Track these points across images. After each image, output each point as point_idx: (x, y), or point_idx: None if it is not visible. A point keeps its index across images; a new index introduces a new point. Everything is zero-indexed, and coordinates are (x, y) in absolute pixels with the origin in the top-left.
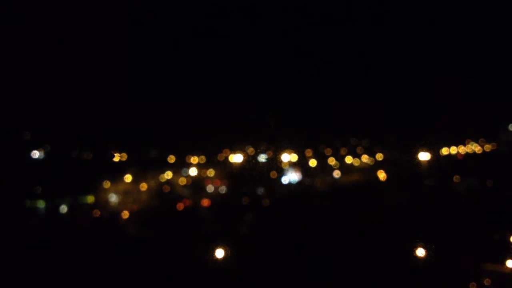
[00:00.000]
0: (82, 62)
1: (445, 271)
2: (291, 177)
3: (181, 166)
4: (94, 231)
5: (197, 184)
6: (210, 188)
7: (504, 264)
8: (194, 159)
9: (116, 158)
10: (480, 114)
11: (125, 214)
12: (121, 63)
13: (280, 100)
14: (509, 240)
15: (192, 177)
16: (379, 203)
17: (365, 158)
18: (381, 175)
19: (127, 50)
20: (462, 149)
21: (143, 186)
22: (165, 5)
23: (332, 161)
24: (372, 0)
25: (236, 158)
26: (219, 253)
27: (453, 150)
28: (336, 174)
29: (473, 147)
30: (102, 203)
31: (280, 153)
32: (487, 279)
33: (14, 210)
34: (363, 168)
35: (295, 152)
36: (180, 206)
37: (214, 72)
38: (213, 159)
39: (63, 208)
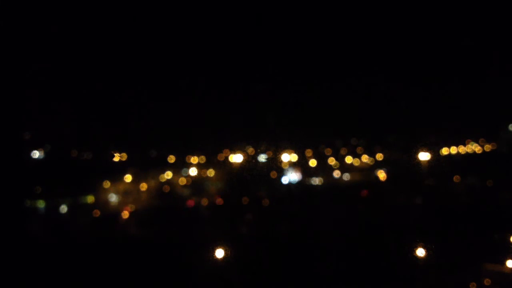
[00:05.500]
0: (82, 61)
1: (445, 271)
2: (291, 177)
3: (181, 166)
4: (94, 231)
5: (197, 184)
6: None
7: (504, 264)
8: (194, 159)
9: (116, 158)
10: (480, 114)
11: (125, 214)
12: (121, 63)
13: (280, 100)
14: (509, 240)
15: (192, 177)
16: (379, 203)
17: (365, 158)
18: (381, 175)
19: (126, 50)
20: (462, 149)
21: (143, 186)
22: (162, 4)
23: (332, 161)
24: (379, 1)
25: (236, 158)
26: (219, 253)
27: (453, 150)
28: (336, 174)
29: (473, 147)
30: (102, 203)
31: (280, 153)
32: (487, 279)
33: (14, 210)
34: (363, 168)
35: (295, 152)
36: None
37: (214, 72)
38: (213, 159)
39: (63, 208)
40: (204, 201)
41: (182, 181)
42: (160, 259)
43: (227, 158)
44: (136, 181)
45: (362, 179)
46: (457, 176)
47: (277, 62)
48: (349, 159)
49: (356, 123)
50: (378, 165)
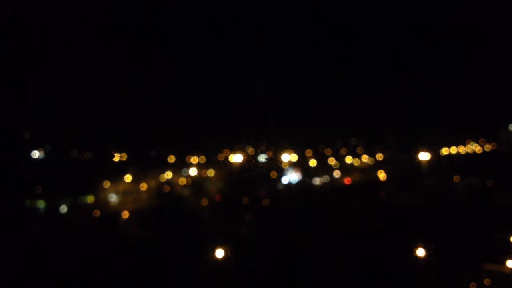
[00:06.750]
0: (81, 61)
1: (445, 271)
2: (291, 177)
3: (181, 166)
4: (94, 231)
5: (197, 184)
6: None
7: (504, 264)
8: (194, 159)
9: (116, 158)
10: (480, 114)
11: (125, 214)
12: (121, 63)
13: (280, 100)
14: (509, 240)
15: (192, 177)
16: (379, 203)
17: (365, 158)
18: (381, 175)
19: (126, 49)
20: (462, 149)
21: (143, 186)
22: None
23: (332, 161)
24: (378, 4)
25: (236, 158)
26: (219, 253)
27: (453, 150)
28: (336, 174)
29: (473, 147)
30: (102, 203)
31: (280, 153)
32: (487, 279)
33: (14, 210)
34: (363, 168)
35: (295, 152)
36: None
37: (215, 72)
38: (213, 159)
39: (63, 208)
40: (204, 201)
41: (182, 181)
42: (160, 258)
43: (227, 158)
44: (136, 181)
45: (362, 179)
46: (457, 176)
47: (278, 62)
48: (349, 159)
49: (356, 123)
50: (378, 165)
